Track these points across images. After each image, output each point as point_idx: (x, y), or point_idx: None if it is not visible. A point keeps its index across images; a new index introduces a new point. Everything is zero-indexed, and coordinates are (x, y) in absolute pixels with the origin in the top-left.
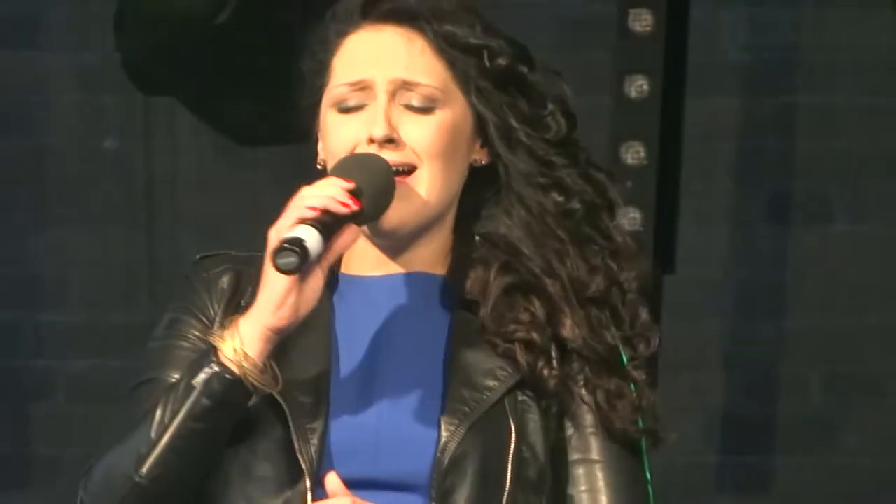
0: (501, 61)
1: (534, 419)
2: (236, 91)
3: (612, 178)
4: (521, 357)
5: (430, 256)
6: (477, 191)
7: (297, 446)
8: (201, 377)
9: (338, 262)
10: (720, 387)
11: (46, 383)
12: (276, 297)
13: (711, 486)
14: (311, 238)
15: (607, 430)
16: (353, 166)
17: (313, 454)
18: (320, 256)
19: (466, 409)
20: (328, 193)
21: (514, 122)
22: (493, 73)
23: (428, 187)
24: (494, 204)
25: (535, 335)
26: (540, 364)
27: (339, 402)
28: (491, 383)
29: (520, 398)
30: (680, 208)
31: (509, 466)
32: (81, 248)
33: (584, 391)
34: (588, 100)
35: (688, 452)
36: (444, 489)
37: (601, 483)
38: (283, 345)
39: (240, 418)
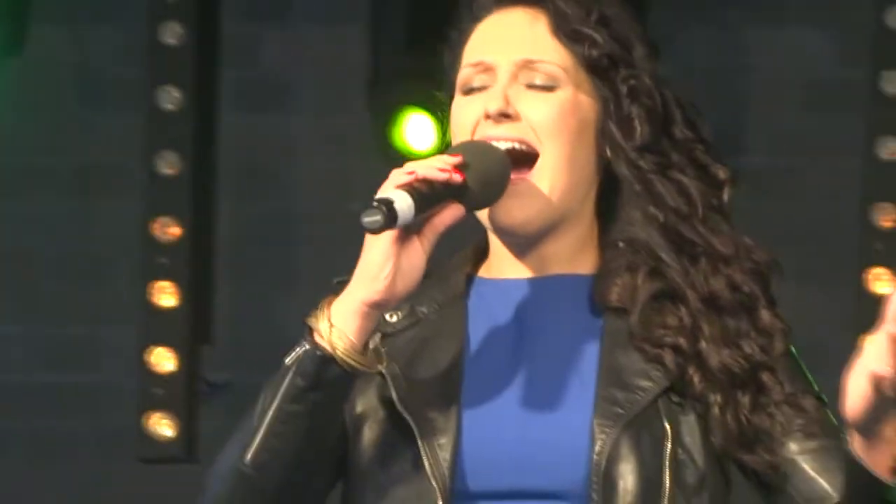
0: (594, 53)
1: (688, 422)
2: None
3: (717, 177)
4: (670, 361)
5: (567, 254)
6: (615, 192)
7: (427, 465)
8: (292, 356)
9: (474, 266)
10: None
11: None
12: (371, 269)
13: None
14: (402, 201)
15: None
16: (464, 147)
17: (445, 472)
18: (414, 224)
19: (620, 410)
20: (429, 164)
21: (610, 123)
22: (590, 65)
23: (551, 180)
24: (628, 207)
25: (682, 340)
26: (690, 370)
27: (474, 413)
28: (645, 384)
29: (674, 400)
30: None
31: (667, 468)
32: None
33: (722, 409)
34: (837, 161)
35: None
36: (606, 493)
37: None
38: (412, 356)
39: (343, 400)
